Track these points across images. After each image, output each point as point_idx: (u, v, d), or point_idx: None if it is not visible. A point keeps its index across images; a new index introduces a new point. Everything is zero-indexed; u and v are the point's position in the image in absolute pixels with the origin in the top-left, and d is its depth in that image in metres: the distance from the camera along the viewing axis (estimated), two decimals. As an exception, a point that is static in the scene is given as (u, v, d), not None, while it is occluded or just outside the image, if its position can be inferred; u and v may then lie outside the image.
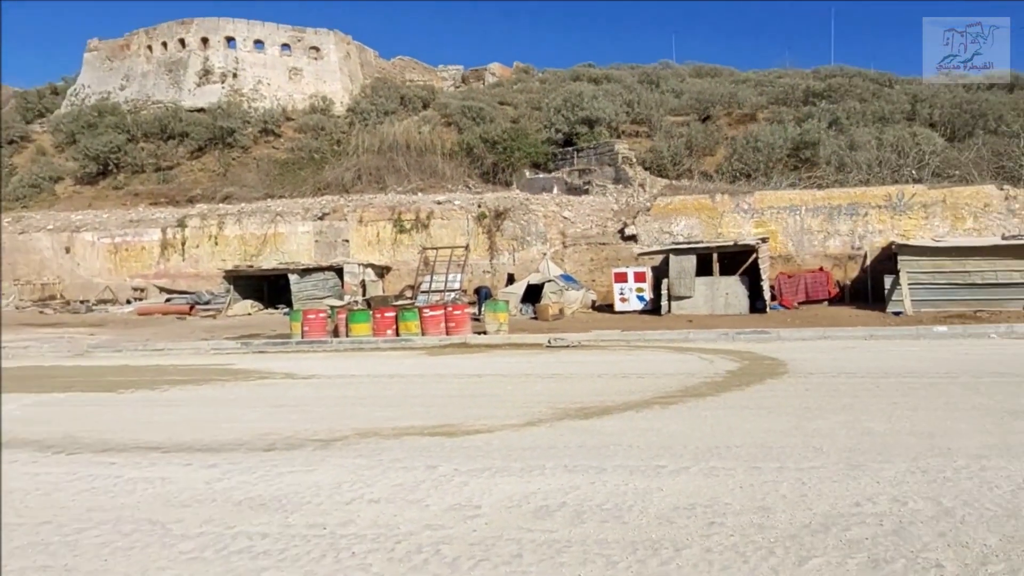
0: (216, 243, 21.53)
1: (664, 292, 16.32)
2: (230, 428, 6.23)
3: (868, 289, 16.24)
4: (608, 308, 17.43)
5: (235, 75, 30.97)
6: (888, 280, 14.92)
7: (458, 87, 38.79)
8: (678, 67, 35.41)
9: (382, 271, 20.03)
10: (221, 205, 22.75)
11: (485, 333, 13.56)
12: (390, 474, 4.62)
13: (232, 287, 20.36)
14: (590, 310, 17.56)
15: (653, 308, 16.61)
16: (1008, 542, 3.27)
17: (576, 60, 67.06)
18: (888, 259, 15.64)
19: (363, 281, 19.16)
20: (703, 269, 16.33)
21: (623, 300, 16.94)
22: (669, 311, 16.18)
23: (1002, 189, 16.55)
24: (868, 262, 16.55)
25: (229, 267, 20.81)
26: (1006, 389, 7.40)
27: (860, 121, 21.77)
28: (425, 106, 30.81)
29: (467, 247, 19.26)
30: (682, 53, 70.23)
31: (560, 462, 4.81)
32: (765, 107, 25.79)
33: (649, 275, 16.98)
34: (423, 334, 13.51)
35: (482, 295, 17.19)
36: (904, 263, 14.81)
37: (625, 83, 29.52)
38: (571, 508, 3.86)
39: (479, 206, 19.85)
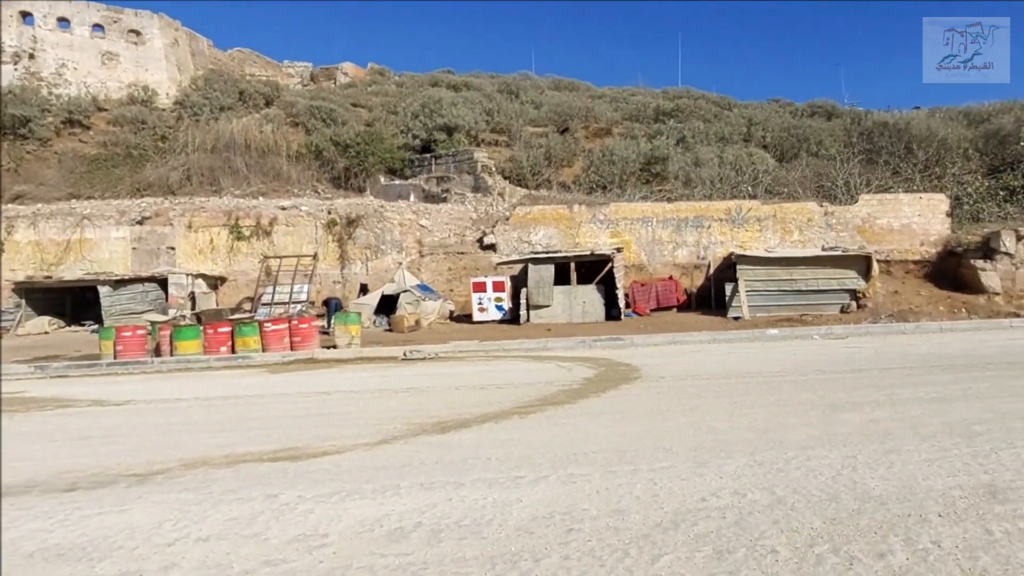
0: (2, 250, 18.76)
1: (523, 301, 16.77)
2: (19, 468, 5.39)
3: (712, 296, 17.84)
4: (467, 318, 17.55)
5: (32, 56, 27.36)
6: (728, 287, 16.53)
7: (306, 85, 37.28)
8: (538, 79, 36.78)
9: (216, 282, 18.59)
10: (10, 206, 19.85)
11: (335, 347, 13.05)
12: (222, 507, 4.24)
13: (24, 301, 17.87)
14: (448, 321, 17.57)
15: (512, 317, 17.00)
16: (831, 524, 3.69)
17: (434, 65, 67.27)
18: (729, 268, 17.30)
19: (193, 293, 17.65)
20: (561, 278, 17.02)
21: (482, 310, 17.15)
22: (528, 320, 16.66)
23: (822, 206, 18.97)
24: (711, 271, 18.22)
25: (20, 278, 18.24)
26: (827, 385, 8.40)
27: (704, 140, 24.03)
28: (268, 103, 29.20)
29: (315, 256, 18.47)
30: (542, 66, 73.15)
31: (416, 480, 4.69)
32: (620, 122, 27.59)
33: (508, 284, 17.36)
34: (264, 350, 12.70)
35: (332, 307, 16.54)
36: (742, 272, 16.49)
37: (485, 91, 30.13)
38: (428, 528, 3.77)
39: (329, 212, 19.13)
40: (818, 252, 17.27)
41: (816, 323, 14.97)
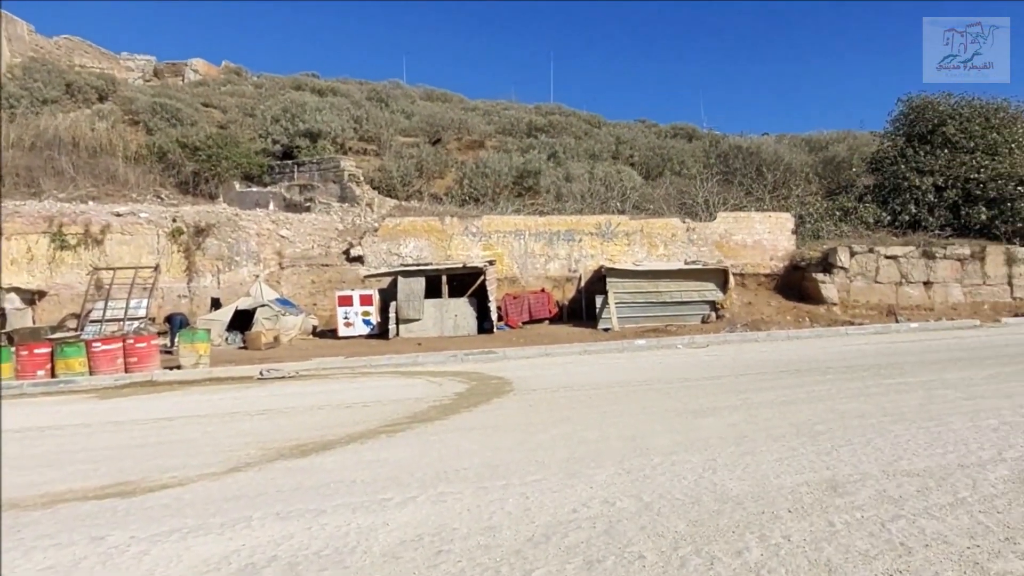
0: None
1: (392, 315, 16.46)
2: None
3: (583, 308, 18.50)
4: (332, 334, 16.92)
5: None
6: (599, 300, 17.24)
7: (149, 81, 34.52)
8: (409, 88, 36.57)
9: (33, 297, 16.51)
10: None
11: (179, 368, 12.05)
12: (36, 555, 3.77)
13: None
14: (311, 337, 16.84)
15: (381, 332, 16.62)
16: (693, 526, 3.90)
17: (297, 67, 65.01)
18: (599, 280, 18.05)
19: (2, 310, 15.59)
20: (432, 291, 16.91)
21: (348, 325, 16.62)
22: (398, 335, 16.36)
23: (684, 222, 20.35)
24: (583, 283, 18.91)
25: None
26: (690, 393, 9.00)
27: (575, 156, 25.02)
28: (102, 98, 26.64)
29: (157, 268, 16.97)
30: (413, 75, 72.91)
31: (271, 510, 4.41)
32: (493, 136, 28.06)
33: (376, 298, 16.97)
34: (92, 373, 11.46)
35: (176, 324, 15.26)
36: (611, 284, 17.27)
37: (353, 98, 29.47)
38: (284, 561, 3.55)
39: (175, 220, 17.71)
40: (681, 266, 18.47)
41: (680, 333, 15.95)
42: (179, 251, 17.49)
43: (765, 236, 20.39)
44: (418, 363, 12.86)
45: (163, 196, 20.84)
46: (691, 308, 17.75)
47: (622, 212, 21.06)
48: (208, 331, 13.40)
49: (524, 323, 17.75)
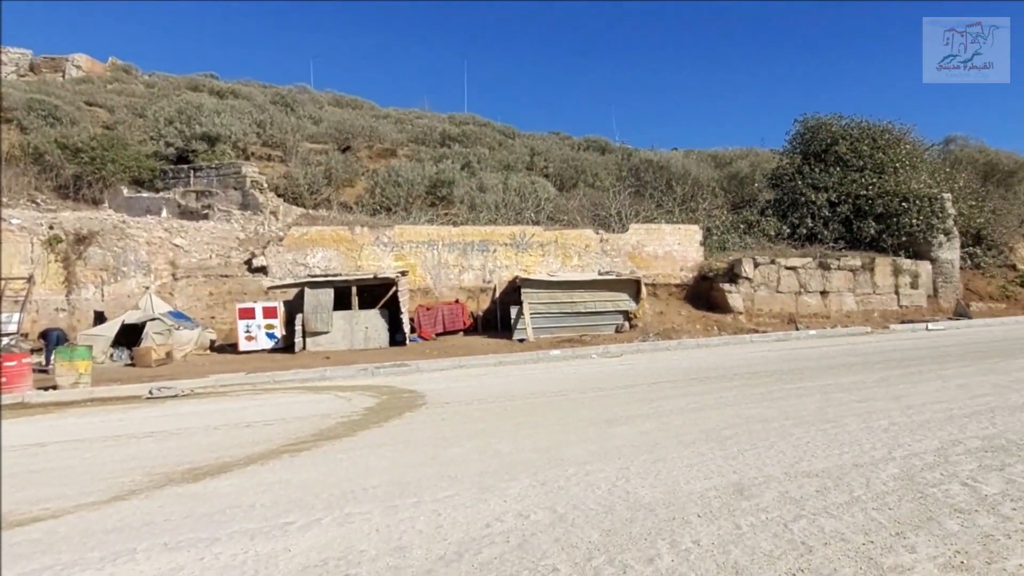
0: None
1: (298, 328, 15.90)
2: None
3: (498, 319, 18.54)
4: (232, 348, 16.13)
5: None
6: (514, 310, 17.33)
7: (23, 76, 32.04)
8: (316, 93, 35.73)
9: None
10: None
11: (56, 388, 11.11)
12: None
13: None
14: (209, 352, 15.98)
15: (286, 346, 16.01)
16: (607, 535, 3.92)
17: (193, 67, 62.15)
18: (514, 291, 18.15)
19: None
20: (341, 303, 16.44)
21: (250, 338, 15.90)
22: (304, 348, 15.80)
23: (598, 233, 20.82)
24: (497, 294, 18.96)
25: None
26: (604, 402, 9.15)
27: (489, 166, 25.17)
28: (-33, 92, 24.51)
29: (30, 279, 15.66)
30: (321, 80, 71.20)
31: (158, 540, 4.11)
32: (405, 144, 27.82)
33: (281, 310, 16.33)
34: (-49, 398, 10.37)
35: (52, 339, 14.08)
36: (526, 295, 17.40)
37: (256, 102, 28.49)
38: (169, 596, 3.30)
39: (52, 227, 16.39)
40: (595, 276, 18.86)
41: (594, 343, 16.25)
42: (57, 261, 16.19)
43: (675, 247, 21.17)
44: (326, 377, 12.44)
45: (39, 201, 19.28)
46: (605, 318, 18.14)
47: (537, 223, 21.32)
48: (90, 347, 12.44)
49: (438, 335, 17.57)
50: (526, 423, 7.66)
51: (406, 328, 16.67)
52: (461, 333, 18.04)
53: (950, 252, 23.70)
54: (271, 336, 16.08)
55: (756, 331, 18.01)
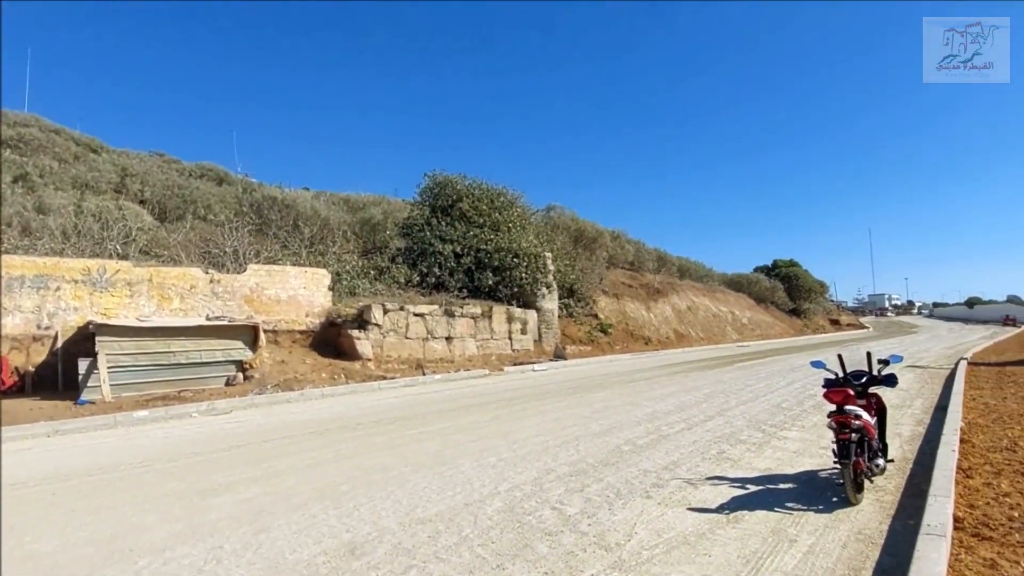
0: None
1: None
2: None
3: (60, 375, 14.16)
4: None
5: None
6: (84, 364, 13.37)
7: None
8: None
9: None
10: None
11: None
12: None
13: None
14: None
15: None
16: None
17: None
18: (87, 340, 14.11)
19: None
20: None
21: None
22: None
23: (207, 272, 17.82)
24: (60, 344, 14.50)
25: None
26: (200, 468, 7.61)
27: (58, 183, 19.98)
28: None
29: None
30: None
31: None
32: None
33: None
34: None
35: None
36: (104, 344, 13.62)
37: None
38: None
39: None
40: (202, 322, 15.91)
41: (198, 398, 13.42)
42: None
43: (301, 291, 19.37)
44: None
45: None
46: (214, 369, 15.28)
47: (124, 257, 17.32)
48: None
49: (-44, 402, 12.47)
50: (83, 508, 5.89)
51: None
52: (-3, 397, 13.17)
53: (551, 303, 26.82)
54: None
55: (385, 377, 17.20)
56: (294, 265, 20.50)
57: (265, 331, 16.94)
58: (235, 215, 22.73)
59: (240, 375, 15.47)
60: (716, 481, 6.72)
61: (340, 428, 10.25)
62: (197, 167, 27.51)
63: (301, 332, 18.80)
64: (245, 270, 18.76)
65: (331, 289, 20.29)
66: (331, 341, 19.07)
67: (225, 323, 16.07)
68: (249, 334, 16.14)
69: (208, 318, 16.47)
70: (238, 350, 15.74)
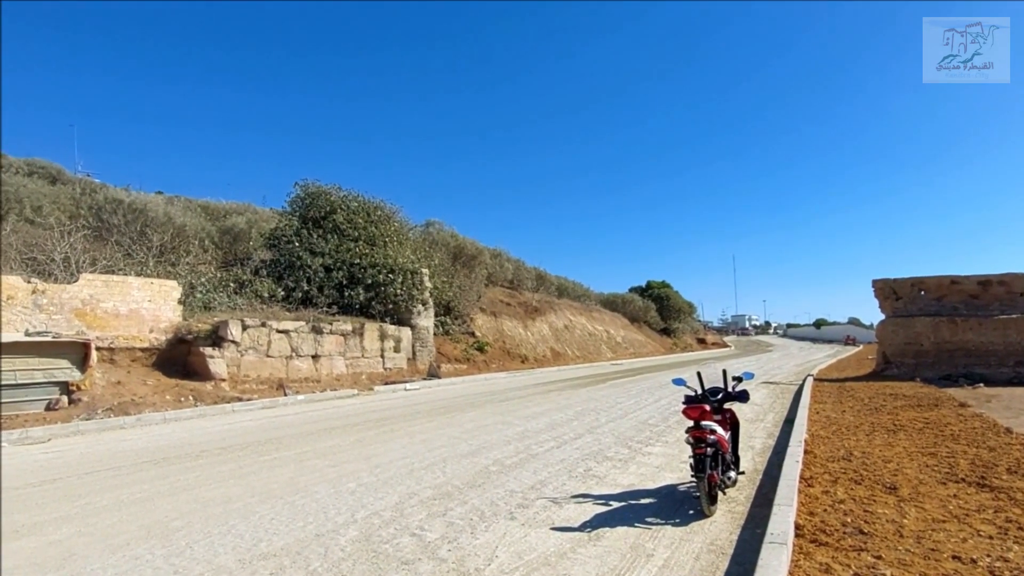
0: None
1: None
2: None
3: None
4: None
5: None
6: None
7: None
8: None
9: None
10: None
11: None
12: None
13: None
14: None
15: None
16: None
17: None
18: None
19: None
20: None
21: None
22: None
23: (30, 282, 15.94)
24: None
25: None
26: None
27: None
28: None
29: None
30: None
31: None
32: None
33: None
34: None
35: None
36: None
37: None
38: None
39: None
40: (20, 338, 14.14)
41: (9, 426, 11.83)
42: None
43: (145, 305, 17.75)
44: None
45: None
46: (32, 392, 13.57)
47: (-75, 260, 15.18)
48: None
49: None
50: None
51: None
52: None
53: (427, 320, 26.42)
54: None
55: (240, 399, 16.06)
56: (139, 276, 18.81)
57: (99, 348, 15.36)
58: (70, 218, 20.62)
59: (64, 398, 13.86)
60: (581, 499, 6.74)
61: (180, 456, 9.32)
62: (27, 163, 24.82)
63: (143, 350, 17.18)
64: (77, 280, 16.93)
65: (182, 303, 18.77)
66: (180, 360, 17.58)
67: (48, 339, 14.38)
68: (78, 352, 14.54)
69: (27, 333, 14.68)
70: (63, 370, 14.12)
